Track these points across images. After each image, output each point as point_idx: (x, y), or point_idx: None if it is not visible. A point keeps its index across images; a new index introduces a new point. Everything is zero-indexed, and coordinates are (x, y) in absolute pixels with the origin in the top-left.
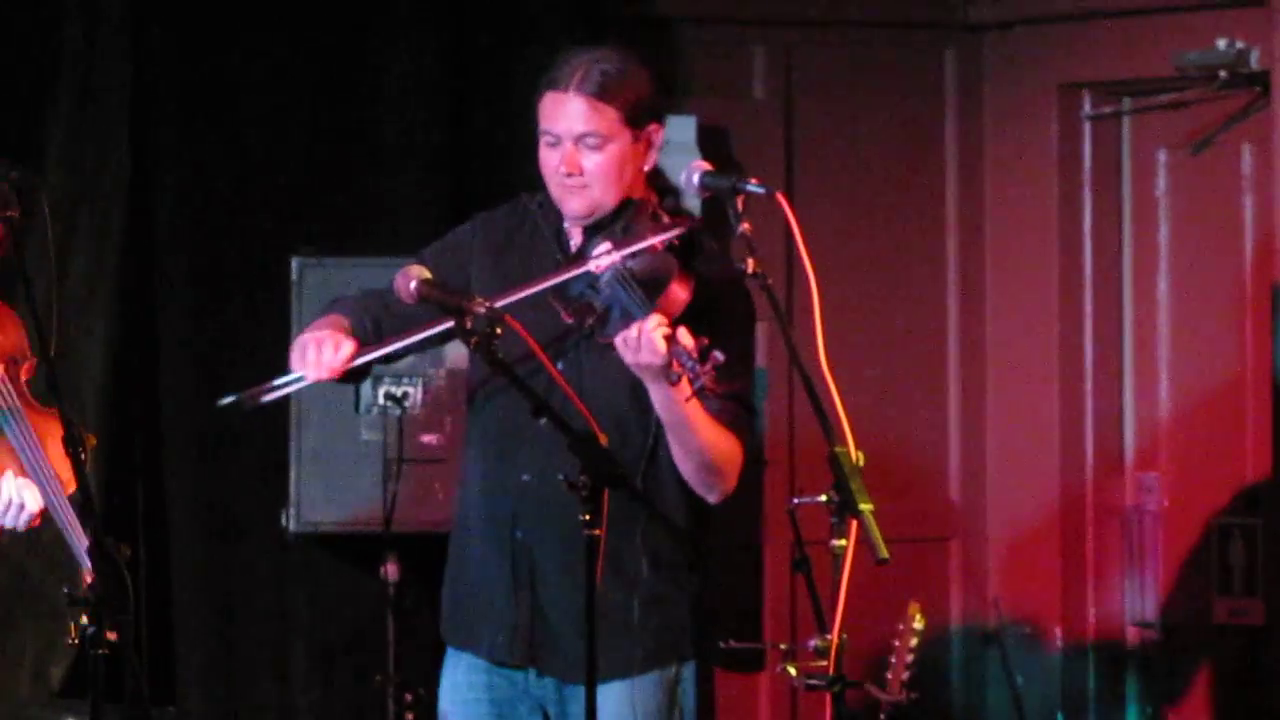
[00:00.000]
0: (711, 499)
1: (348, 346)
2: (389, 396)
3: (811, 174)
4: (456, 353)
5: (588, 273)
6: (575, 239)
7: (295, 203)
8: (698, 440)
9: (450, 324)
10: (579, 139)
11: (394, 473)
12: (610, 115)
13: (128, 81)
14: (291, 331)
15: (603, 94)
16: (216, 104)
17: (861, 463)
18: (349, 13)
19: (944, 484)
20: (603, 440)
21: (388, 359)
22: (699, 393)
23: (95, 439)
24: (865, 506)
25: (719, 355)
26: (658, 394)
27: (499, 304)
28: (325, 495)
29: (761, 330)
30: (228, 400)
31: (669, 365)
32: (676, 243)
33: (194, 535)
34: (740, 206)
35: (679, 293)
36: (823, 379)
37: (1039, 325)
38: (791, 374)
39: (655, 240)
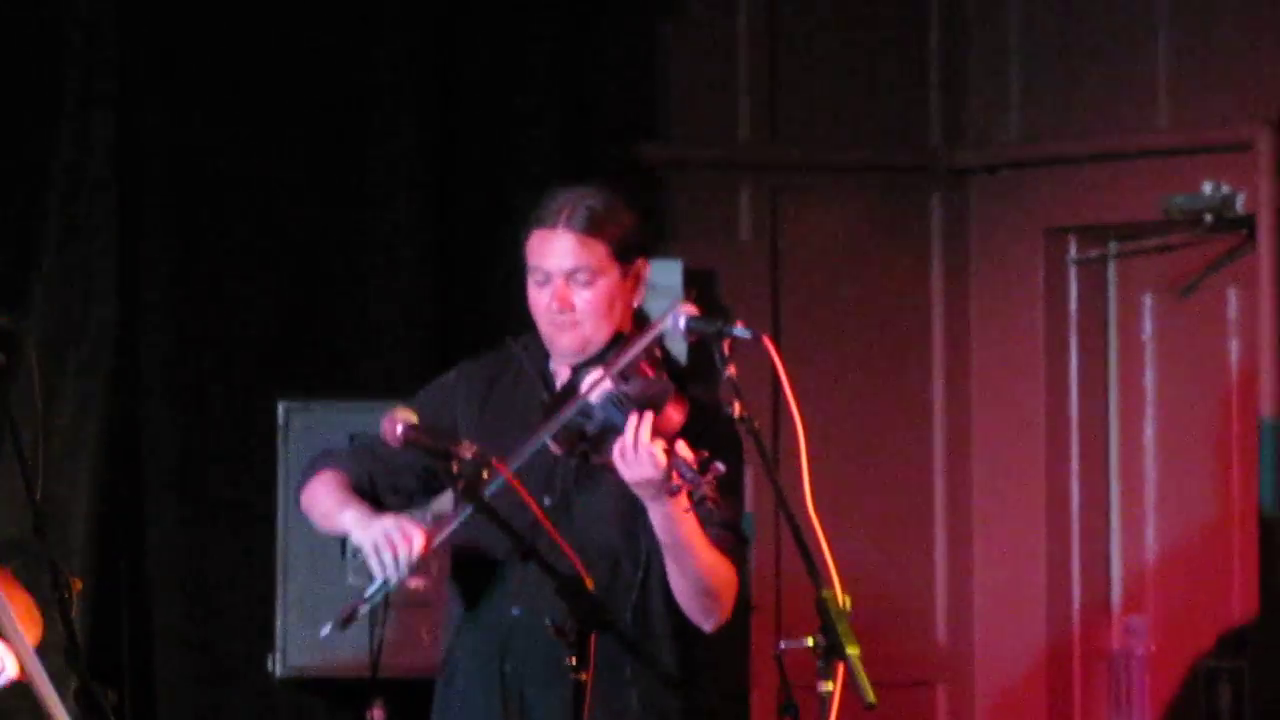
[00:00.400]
0: (707, 626)
1: (418, 537)
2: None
3: (798, 317)
4: (443, 496)
5: (584, 403)
6: (562, 377)
7: (281, 346)
8: (696, 563)
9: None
10: (569, 275)
11: (380, 618)
12: (599, 250)
13: (114, 221)
14: (278, 474)
15: (591, 229)
16: (204, 246)
17: (848, 606)
18: (336, 154)
19: (931, 628)
20: (589, 584)
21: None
22: (699, 505)
23: (81, 583)
24: (852, 650)
25: (720, 466)
26: (657, 513)
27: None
28: (311, 640)
29: (748, 474)
30: (327, 631)
31: (669, 477)
32: (659, 354)
33: (181, 679)
34: (726, 350)
35: (674, 414)
36: (809, 523)
37: (1025, 468)
38: (778, 518)
39: (643, 343)
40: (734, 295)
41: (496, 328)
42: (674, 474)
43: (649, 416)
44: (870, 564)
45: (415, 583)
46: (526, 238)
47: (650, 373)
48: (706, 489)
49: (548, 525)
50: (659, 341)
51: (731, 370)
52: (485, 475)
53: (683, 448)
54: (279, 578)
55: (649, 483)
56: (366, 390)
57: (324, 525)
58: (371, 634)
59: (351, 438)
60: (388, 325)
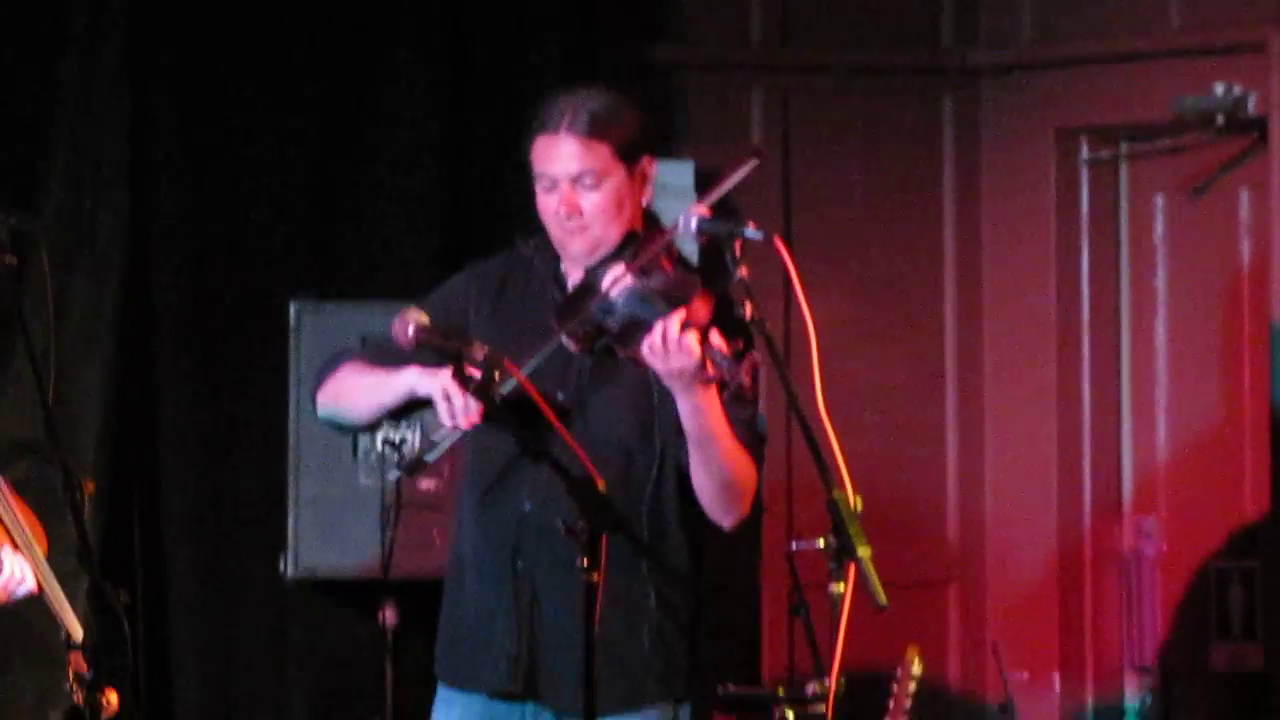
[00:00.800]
0: (727, 523)
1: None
2: (387, 442)
3: (809, 219)
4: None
5: (603, 298)
6: (573, 277)
7: (293, 247)
8: (722, 457)
9: None
10: (575, 179)
11: (392, 519)
12: (603, 152)
13: (125, 121)
14: (290, 373)
15: (593, 131)
16: (215, 149)
17: (860, 508)
18: (347, 62)
19: (942, 529)
20: (600, 485)
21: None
22: (735, 396)
23: (93, 485)
24: (863, 551)
25: (756, 355)
26: (686, 404)
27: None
28: (323, 541)
29: (760, 374)
30: (395, 474)
31: (703, 367)
32: (678, 252)
33: (192, 580)
34: (738, 251)
35: (702, 307)
36: (821, 424)
37: (1036, 370)
38: (789, 419)
39: (665, 239)
40: (745, 197)
41: (509, 230)
42: (709, 363)
43: (680, 309)
44: (882, 466)
45: (427, 483)
46: (530, 144)
47: (670, 268)
48: (743, 377)
49: (559, 427)
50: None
51: (743, 271)
52: (497, 376)
53: (716, 337)
54: (290, 478)
55: (683, 372)
56: (378, 290)
57: (370, 399)
58: (383, 535)
59: (363, 339)
60: (400, 227)
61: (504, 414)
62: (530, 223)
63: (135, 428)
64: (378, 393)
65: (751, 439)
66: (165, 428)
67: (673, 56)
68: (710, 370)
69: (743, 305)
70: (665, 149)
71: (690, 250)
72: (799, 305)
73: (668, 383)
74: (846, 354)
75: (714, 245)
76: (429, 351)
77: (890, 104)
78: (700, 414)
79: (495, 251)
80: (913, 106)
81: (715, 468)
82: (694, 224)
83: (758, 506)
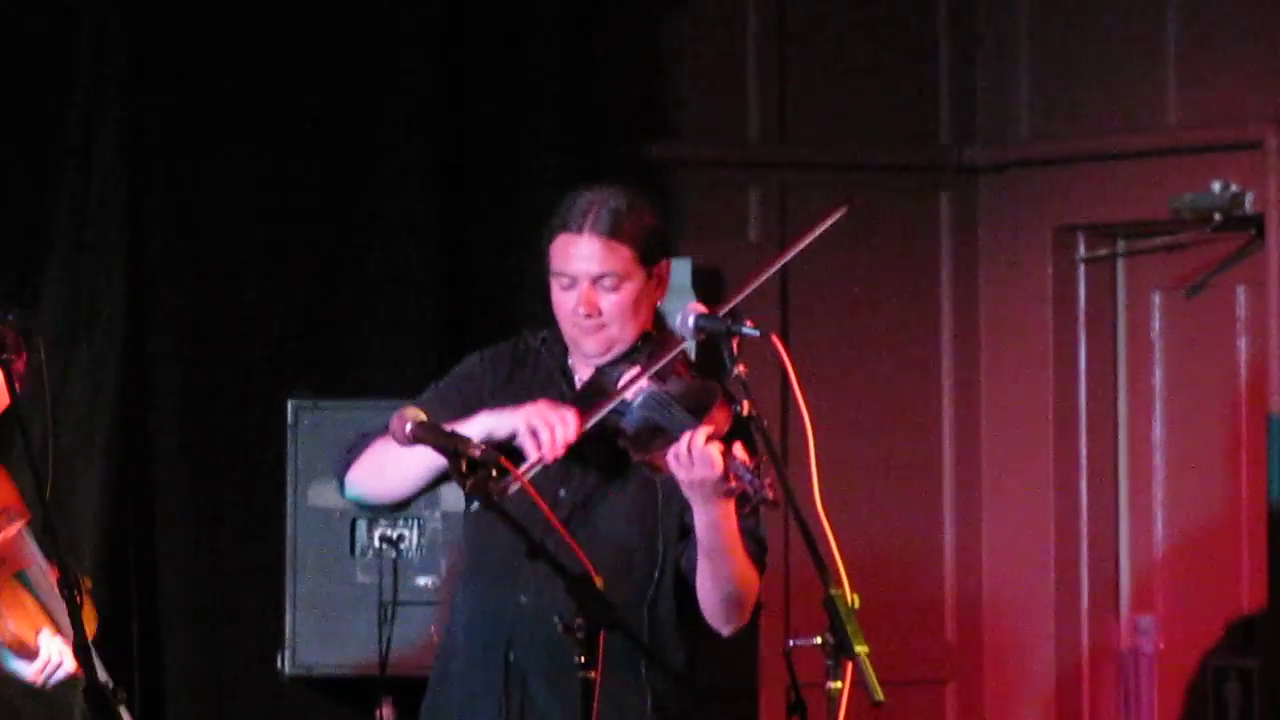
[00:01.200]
0: (726, 631)
1: (572, 417)
2: (384, 539)
3: (807, 316)
4: (452, 495)
5: (619, 399)
6: (581, 374)
7: (291, 344)
8: (731, 568)
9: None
10: (595, 280)
11: (389, 615)
12: (625, 254)
13: (122, 215)
14: (288, 471)
15: (616, 233)
16: (212, 243)
17: (857, 605)
18: (347, 159)
19: (940, 626)
20: (598, 582)
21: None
22: (755, 509)
23: (91, 581)
24: (861, 649)
25: (774, 469)
26: (704, 515)
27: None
28: (321, 638)
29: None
30: (475, 507)
31: (726, 479)
32: (690, 358)
33: (190, 676)
34: (735, 349)
35: (720, 418)
36: (818, 521)
37: (1033, 467)
38: (787, 516)
39: (679, 346)
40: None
41: (505, 326)
42: (731, 476)
43: (703, 418)
44: (879, 562)
45: (424, 580)
46: (550, 241)
47: (685, 373)
48: (767, 491)
49: (558, 525)
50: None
51: (741, 369)
52: (494, 474)
53: (739, 450)
54: (288, 575)
55: (704, 483)
56: (375, 389)
57: (412, 468)
58: (380, 632)
59: (364, 435)
60: (397, 324)
61: (504, 508)
62: (529, 320)
63: (134, 523)
64: (424, 460)
65: (756, 549)
66: (163, 523)
67: (671, 153)
68: (732, 482)
69: (740, 403)
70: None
71: (689, 347)
72: (796, 402)
73: (687, 492)
74: (844, 450)
75: (711, 342)
76: (427, 448)
77: (888, 201)
78: (716, 527)
79: (498, 343)
80: (910, 203)
81: (723, 579)
82: (691, 321)
83: (756, 607)
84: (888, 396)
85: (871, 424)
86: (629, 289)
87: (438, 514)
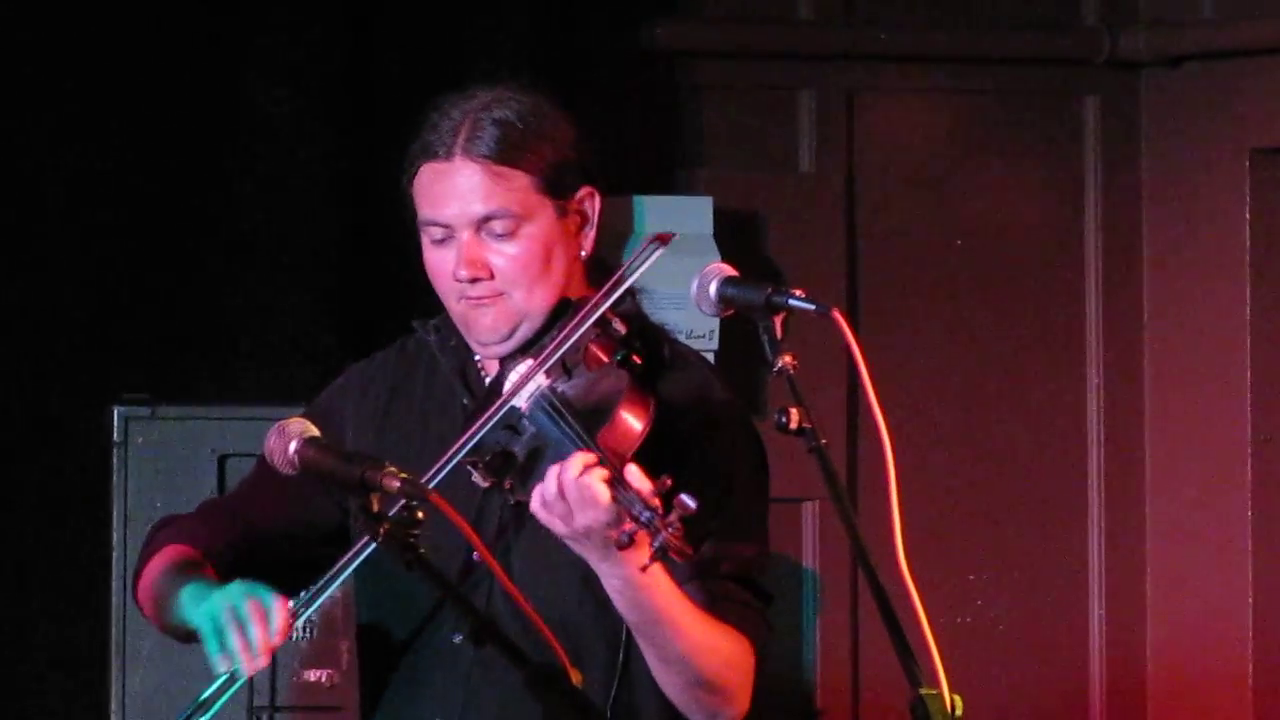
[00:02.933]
0: None
1: (278, 610)
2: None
3: (885, 281)
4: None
5: (513, 410)
6: (491, 372)
7: (119, 333)
8: (680, 644)
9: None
10: (479, 225)
11: None
12: (519, 183)
13: None
14: (114, 512)
15: (504, 154)
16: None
17: (959, 711)
18: (198, 63)
19: None
20: (576, 678)
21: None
22: (662, 558)
23: None
24: None
25: (688, 501)
26: (611, 578)
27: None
28: None
29: (810, 513)
30: (243, 681)
31: (616, 522)
32: (618, 329)
33: None
34: (779, 330)
35: (629, 422)
36: (902, 586)
37: (1223, 483)
38: (856, 578)
39: (580, 331)
40: (791, 250)
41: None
42: (623, 514)
43: (602, 429)
44: (996, 641)
45: (314, 674)
46: (411, 177)
47: (604, 358)
48: (670, 535)
49: (509, 585)
50: (625, 305)
51: (788, 360)
52: (419, 515)
53: (635, 473)
54: (114, 666)
55: (589, 532)
56: (240, 392)
57: (166, 625)
58: None
59: (222, 461)
60: (273, 303)
61: (434, 567)
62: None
63: None
64: (166, 617)
65: (741, 600)
66: None
67: (682, 40)
68: (626, 525)
69: (786, 413)
70: (669, 177)
71: (710, 328)
72: (869, 408)
73: (575, 549)
74: (939, 478)
75: (744, 321)
76: (319, 479)
77: (1005, 109)
78: (632, 587)
79: (378, 350)
80: (1038, 113)
81: (675, 660)
82: (714, 290)
83: (808, 710)
84: (1008, 393)
85: (984, 433)
86: (531, 234)
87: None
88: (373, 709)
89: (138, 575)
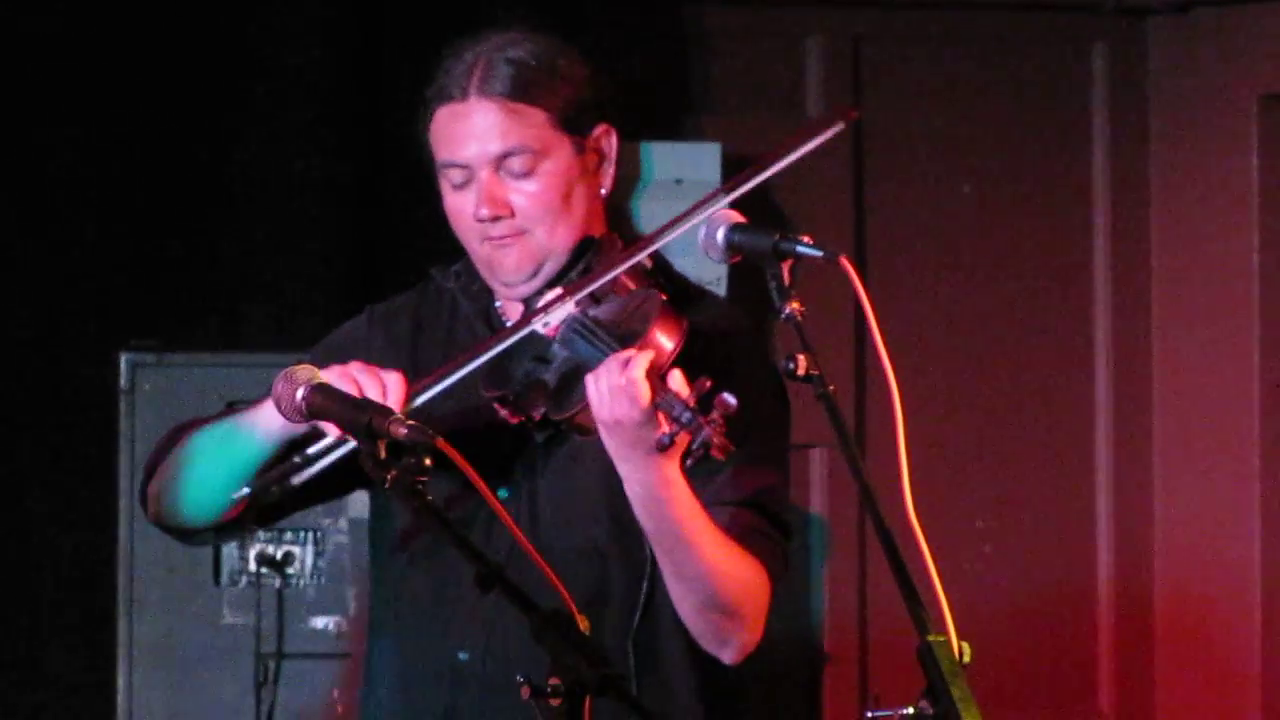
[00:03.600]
0: (726, 656)
1: (396, 379)
2: (264, 560)
3: (892, 227)
4: (364, 496)
5: (536, 338)
6: (513, 317)
7: (127, 281)
8: (697, 561)
9: None
10: (498, 163)
11: (271, 673)
12: (536, 119)
13: None
14: (120, 453)
15: (519, 91)
16: (21, 154)
17: (968, 658)
18: (211, 16)
19: (1091, 690)
20: (583, 625)
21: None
22: (703, 459)
23: None
24: None
25: (729, 399)
26: (635, 480)
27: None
28: (170, 706)
29: (818, 459)
30: (243, 493)
31: (652, 419)
32: (645, 263)
33: None
34: (787, 277)
35: (663, 339)
36: (910, 533)
37: (1232, 436)
38: (863, 525)
39: (624, 267)
40: (798, 196)
41: (441, 249)
42: (661, 416)
43: (639, 341)
44: (1002, 594)
45: (321, 621)
46: (428, 121)
47: (633, 285)
48: (713, 434)
49: (518, 534)
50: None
51: (795, 306)
52: (427, 462)
53: (676, 378)
54: (121, 613)
55: (620, 426)
56: (247, 339)
57: (217, 463)
58: (258, 698)
59: (230, 405)
60: (282, 254)
61: (442, 514)
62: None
63: None
64: (229, 446)
65: (761, 528)
66: None
67: None
68: (663, 425)
69: (793, 359)
70: (677, 123)
71: (718, 275)
72: (877, 356)
73: (609, 446)
74: (948, 427)
75: (751, 268)
76: (328, 424)
77: (1011, 56)
78: (656, 493)
79: (399, 292)
80: (1044, 60)
81: (693, 578)
82: (721, 236)
83: (817, 655)
84: (1014, 345)
85: (990, 386)
86: (550, 170)
87: (342, 522)
88: (394, 651)
89: (157, 465)
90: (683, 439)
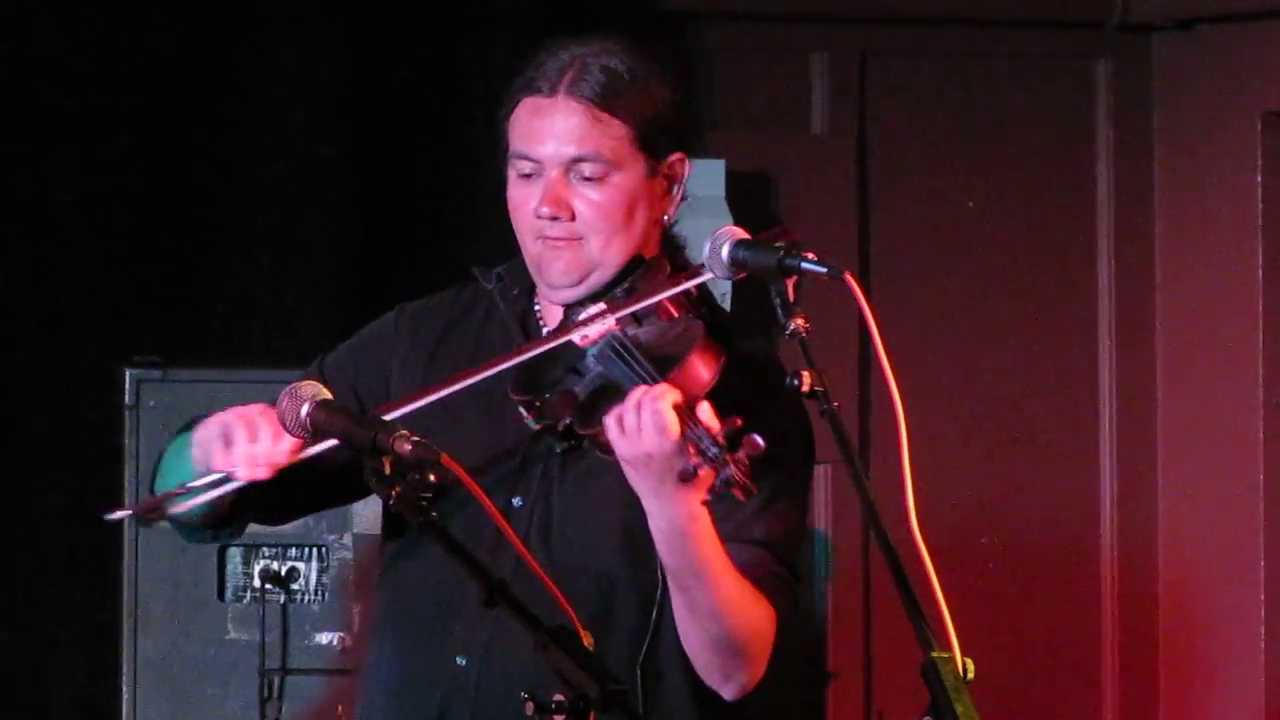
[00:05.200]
0: (726, 692)
1: (287, 437)
2: (269, 576)
3: (896, 243)
4: (369, 512)
5: (571, 349)
6: (552, 321)
7: (131, 296)
8: (714, 597)
9: None
10: (570, 166)
11: (275, 689)
12: (617, 132)
13: None
14: (125, 469)
15: (607, 100)
16: (22, 161)
17: (971, 674)
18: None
19: (1096, 708)
20: (587, 641)
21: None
22: (724, 495)
23: None
24: None
25: (758, 440)
26: (660, 515)
27: (409, 407)
28: (172, 713)
29: (823, 475)
30: (119, 515)
31: (681, 452)
32: (695, 293)
33: None
34: (791, 293)
35: (699, 369)
36: (914, 549)
37: (1235, 439)
38: (867, 541)
39: (671, 292)
40: (803, 212)
41: (455, 262)
42: (689, 448)
43: (674, 371)
44: (1008, 609)
45: (325, 636)
46: (511, 110)
47: (676, 313)
48: (737, 472)
49: (523, 551)
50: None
51: (799, 322)
52: (431, 478)
53: (706, 411)
54: (126, 629)
55: (649, 460)
56: (251, 355)
57: (172, 478)
58: (263, 710)
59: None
60: (285, 263)
61: (446, 530)
62: (488, 251)
63: None
64: (179, 460)
65: (774, 572)
66: None
67: (696, 2)
68: (692, 458)
69: (798, 375)
70: (695, 139)
71: (722, 290)
72: (881, 372)
73: (632, 478)
74: (952, 442)
75: (755, 284)
76: (333, 439)
77: (1016, 73)
78: (679, 528)
79: (434, 292)
80: (1049, 77)
81: (705, 613)
82: (726, 252)
83: (819, 672)
84: (1018, 360)
85: (995, 400)
86: (619, 184)
87: (347, 538)
88: (393, 658)
89: (161, 464)
90: (707, 473)
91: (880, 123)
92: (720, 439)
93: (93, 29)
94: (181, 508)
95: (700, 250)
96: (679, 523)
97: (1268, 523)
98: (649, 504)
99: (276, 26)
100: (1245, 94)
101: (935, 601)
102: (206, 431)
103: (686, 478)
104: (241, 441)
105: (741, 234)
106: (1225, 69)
